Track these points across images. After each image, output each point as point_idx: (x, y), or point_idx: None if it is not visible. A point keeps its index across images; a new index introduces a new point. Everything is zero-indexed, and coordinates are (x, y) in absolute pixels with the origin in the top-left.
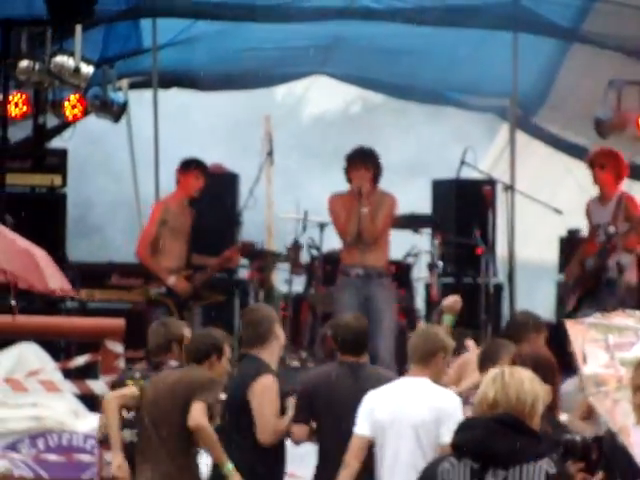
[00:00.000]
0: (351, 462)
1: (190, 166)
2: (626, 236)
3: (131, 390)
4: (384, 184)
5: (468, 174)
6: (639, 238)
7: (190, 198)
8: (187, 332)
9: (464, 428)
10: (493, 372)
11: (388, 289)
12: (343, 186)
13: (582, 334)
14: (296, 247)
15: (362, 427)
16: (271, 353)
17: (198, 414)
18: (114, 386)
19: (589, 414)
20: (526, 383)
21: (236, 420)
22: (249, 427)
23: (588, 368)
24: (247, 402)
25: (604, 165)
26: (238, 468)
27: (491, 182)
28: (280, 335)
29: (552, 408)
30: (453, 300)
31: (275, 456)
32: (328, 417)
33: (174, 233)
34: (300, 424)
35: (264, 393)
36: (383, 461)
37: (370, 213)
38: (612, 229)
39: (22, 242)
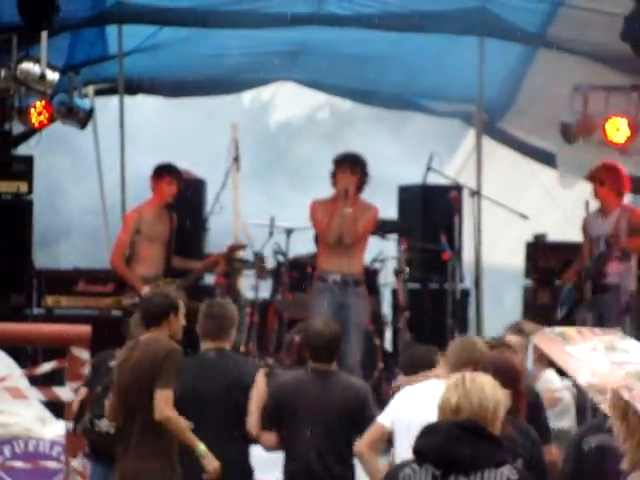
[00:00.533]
0: (363, 450)
1: (162, 172)
2: (630, 237)
3: None
4: None
5: (435, 180)
6: None
7: (166, 204)
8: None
9: (426, 433)
10: (455, 378)
11: (364, 298)
12: (310, 191)
13: (554, 344)
14: (259, 258)
15: (385, 418)
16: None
17: (162, 404)
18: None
19: None
20: (487, 389)
21: (228, 414)
22: (243, 422)
23: (581, 378)
24: (244, 397)
25: (604, 181)
26: (231, 464)
27: (457, 187)
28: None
29: (515, 413)
30: None
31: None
32: (295, 424)
33: (150, 241)
34: (269, 431)
35: (259, 388)
36: (399, 459)
37: (353, 215)
38: (612, 239)
39: None
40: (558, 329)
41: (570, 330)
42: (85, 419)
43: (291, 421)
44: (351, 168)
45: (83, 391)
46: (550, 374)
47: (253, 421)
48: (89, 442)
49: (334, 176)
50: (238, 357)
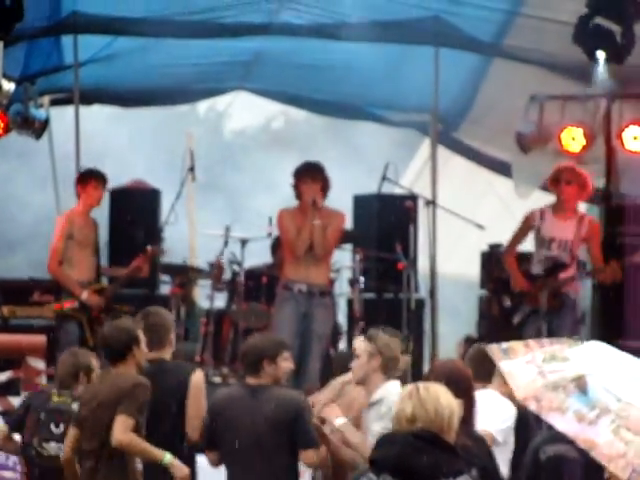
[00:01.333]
0: None
1: (88, 177)
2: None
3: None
4: None
5: (390, 189)
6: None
7: (92, 208)
8: (94, 362)
9: (383, 443)
10: (408, 387)
11: (328, 309)
12: (265, 200)
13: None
14: (218, 266)
15: None
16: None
17: (118, 430)
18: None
19: None
20: (442, 397)
21: (171, 426)
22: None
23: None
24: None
25: (571, 181)
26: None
27: (412, 197)
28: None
29: (468, 421)
30: None
31: None
32: (229, 440)
33: (81, 246)
34: (210, 449)
35: (196, 389)
36: None
37: (322, 225)
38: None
39: None
40: (505, 344)
41: (517, 344)
42: (32, 445)
43: (224, 437)
44: (312, 178)
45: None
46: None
47: (191, 426)
48: (37, 467)
49: (296, 188)
50: (173, 365)
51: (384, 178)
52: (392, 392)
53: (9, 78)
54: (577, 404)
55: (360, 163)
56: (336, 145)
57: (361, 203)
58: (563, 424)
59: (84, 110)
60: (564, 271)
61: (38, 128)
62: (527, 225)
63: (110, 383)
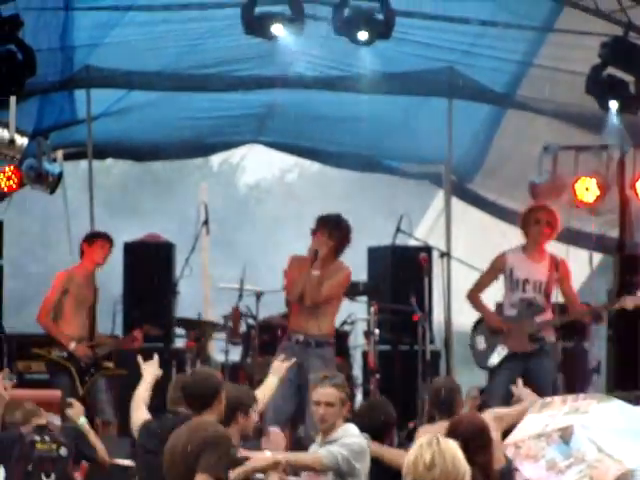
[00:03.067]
0: None
1: (96, 237)
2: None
3: None
4: None
5: (404, 241)
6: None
7: (97, 266)
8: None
9: None
10: (427, 436)
11: (326, 360)
12: (279, 253)
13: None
14: (235, 316)
15: None
16: None
17: None
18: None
19: None
20: (459, 453)
21: None
22: None
23: (511, 437)
24: None
25: (552, 224)
26: None
27: (427, 249)
28: None
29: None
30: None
31: None
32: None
33: (77, 303)
34: None
35: None
36: None
37: (319, 277)
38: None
39: None
40: (549, 399)
41: (557, 398)
42: None
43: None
44: (326, 231)
45: None
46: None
47: None
48: None
49: (312, 235)
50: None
51: (398, 230)
52: (352, 432)
53: (22, 133)
54: (553, 453)
55: (374, 215)
56: (350, 197)
57: (375, 255)
58: (531, 471)
59: (97, 164)
60: (541, 314)
61: (52, 182)
62: (497, 267)
63: (191, 435)
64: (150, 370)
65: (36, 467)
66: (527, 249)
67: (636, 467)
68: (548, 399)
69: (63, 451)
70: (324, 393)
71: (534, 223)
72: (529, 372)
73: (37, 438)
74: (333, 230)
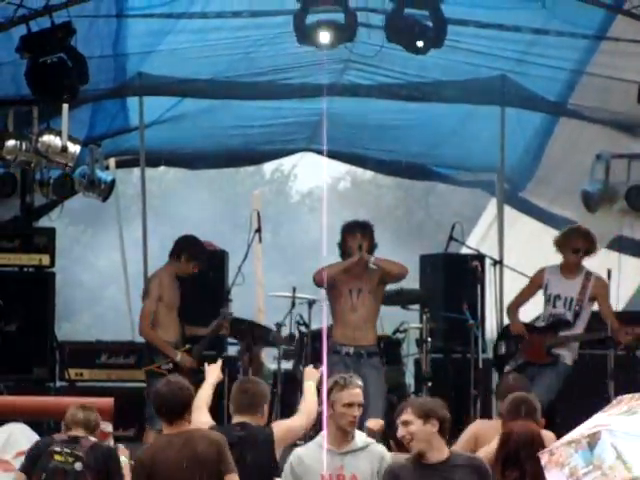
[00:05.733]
0: None
1: (194, 256)
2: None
3: None
4: None
5: (456, 249)
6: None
7: (178, 275)
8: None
9: None
10: None
11: (380, 369)
12: (332, 262)
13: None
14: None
15: None
16: None
17: None
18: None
19: None
20: None
21: None
22: None
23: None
24: None
25: (589, 251)
26: None
27: (479, 257)
28: None
29: None
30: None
31: None
32: None
33: (169, 307)
34: None
35: None
36: None
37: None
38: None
39: None
40: (621, 397)
41: (626, 397)
42: None
43: None
44: (361, 232)
45: (21, 477)
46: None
47: None
48: None
49: (344, 242)
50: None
51: (451, 238)
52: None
53: (75, 140)
54: (578, 460)
55: (427, 223)
56: (403, 205)
57: (428, 263)
58: (554, 479)
59: (150, 172)
60: (566, 329)
61: (104, 190)
62: (536, 282)
63: (183, 445)
64: (213, 373)
65: (48, 477)
66: (562, 267)
67: None
68: (620, 397)
69: (78, 465)
70: (356, 394)
71: (572, 252)
72: (531, 382)
73: (57, 449)
74: (369, 234)
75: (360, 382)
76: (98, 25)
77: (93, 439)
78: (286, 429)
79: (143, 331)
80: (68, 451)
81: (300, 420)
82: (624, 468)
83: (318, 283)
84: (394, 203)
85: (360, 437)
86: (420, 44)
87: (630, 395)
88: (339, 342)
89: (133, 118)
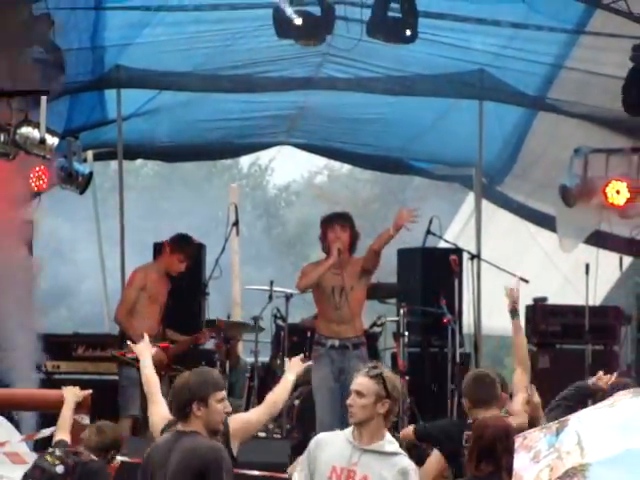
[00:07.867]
0: None
1: (180, 249)
2: None
3: None
4: None
5: (434, 243)
6: None
7: (167, 272)
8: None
9: None
10: None
11: (365, 360)
12: (309, 255)
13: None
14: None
15: None
16: None
17: None
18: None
19: None
20: None
21: None
22: None
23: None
24: None
25: None
26: None
27: (457, 251)
28: None
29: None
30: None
31: None
32: None
33: (152, 300)
34: None
35: None
36: None
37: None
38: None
39: None
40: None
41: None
42: None
43: None
44: (340, 224)
45: None
46: None
47: None
48: None
49: (323, 234)
50: None
51: (428, 232)
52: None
53: (52, 132)
54: (543, 443)
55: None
56: (380, 199)
57: (405, 257)
58: (519, 461)
59: (127, 164)
60: None
61: (82, 183)
62: None
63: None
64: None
65: (28, 470)
66: None
67: (593, 461)
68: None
69: (59, 468)
70: (355, 382)
71: None
72: None
73: (52, 450)
74: (350, 226)
75: (378, 372)
76: (76, 17)
77: (94, 457)
78: (242, 423)
79: (117, 316)
80: (59, 454)
81: (258, 414)
82: (580, 454)
83: (301, 291)
84: (371, 197)
85: (391, 444)
86: (396, 38)
87: (627, 390)
88: (324, 335)
89: (111, 111)
